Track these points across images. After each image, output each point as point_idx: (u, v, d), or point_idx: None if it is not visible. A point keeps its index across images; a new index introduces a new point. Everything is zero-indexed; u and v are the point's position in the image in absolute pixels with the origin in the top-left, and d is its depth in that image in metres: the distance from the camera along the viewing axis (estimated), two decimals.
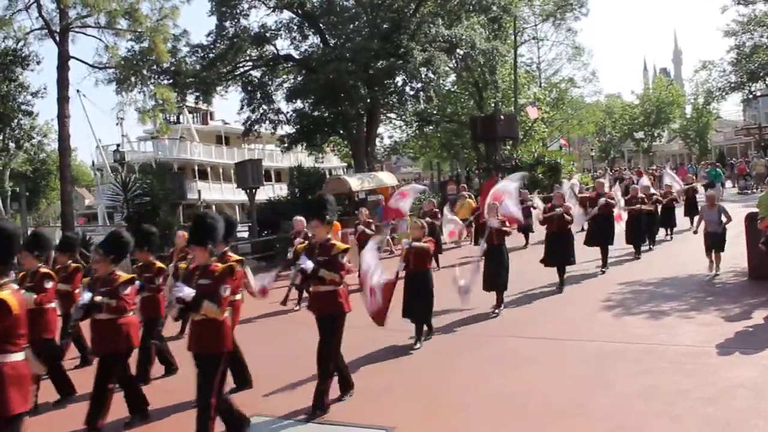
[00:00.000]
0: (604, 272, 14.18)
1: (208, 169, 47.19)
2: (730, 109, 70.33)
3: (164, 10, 23.61)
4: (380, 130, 38.75)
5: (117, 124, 42.77)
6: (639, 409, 6.48)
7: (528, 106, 40.33)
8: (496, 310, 11.08)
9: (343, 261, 7.00)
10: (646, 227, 16.82)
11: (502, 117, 35.77)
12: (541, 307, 11.45)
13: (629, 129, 74.19)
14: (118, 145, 38.43)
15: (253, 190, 25.47)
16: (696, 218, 21.08)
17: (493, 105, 39.02)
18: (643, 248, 16.52)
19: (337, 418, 6.82)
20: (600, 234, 14.79)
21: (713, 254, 12.83)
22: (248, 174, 25.32)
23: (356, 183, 24.80)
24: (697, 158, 68.02)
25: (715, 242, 12.77)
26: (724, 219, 12.73)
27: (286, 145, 32.41)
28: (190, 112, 48.33)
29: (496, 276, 11.05)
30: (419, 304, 9.55)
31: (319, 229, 7.19)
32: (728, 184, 37.64)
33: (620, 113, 75.39)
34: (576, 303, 11.62)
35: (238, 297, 7.76)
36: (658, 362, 7.78)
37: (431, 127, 42.83)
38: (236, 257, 7.84)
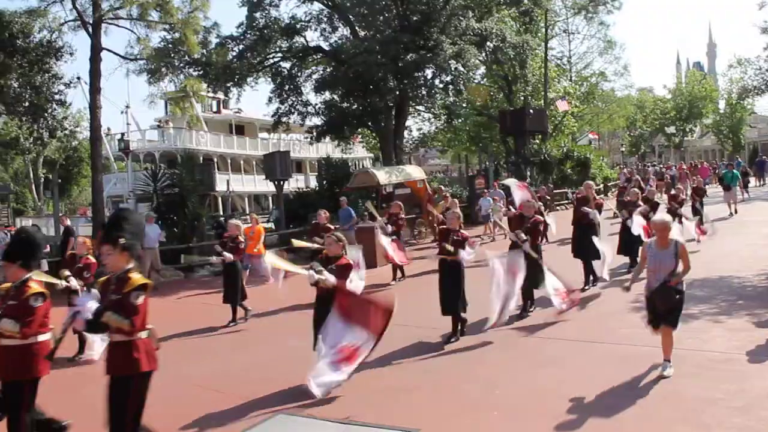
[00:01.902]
0: (585, 290, 12.40)
1: (215, 159, 45.49)
2: (765, 104, 69.37)
3: (195, 2, 23.79)
4: (408, 122, 38.64)
5: (122, 112, 42.88)
6: (665, 416, 6.42)
7: (558, 100, 40.05)
8: (452, 339, 9.72)
9: (137, 302, 5.24)
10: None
11: (531, 111, 35.65)
12: None
13: (660, 124, 73.42)
14: (122, 134, 38.35)
15: (281, 182, 25.59)
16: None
17: (522, 99, 38.85)
18: None
19: (363, 418, 6.83)
20: (581, 247, 12.84)
21: (660, 329, 7.66)
22: (276, 166, 25.44)
23: (384, 176, 24.73)
24: (729, 154, 67.10)
25: (665, 308, 7.48)
26: (680, 267, 7.55)
27: (314, 135, 32.52)
28: (199, 101, 47.31)
29: (450, 298, 9.75)
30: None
31: (112, 258, 5.40)
32: (752, 182, 35.60)
33: (651, 107, 74.58)
34: (604, 304, 11.51)
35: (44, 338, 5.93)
36: (686, 367, 7.67)
37: (460, 120, 42.71)
38: (37, 289, 5.90)
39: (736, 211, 24.04)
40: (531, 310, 11.10)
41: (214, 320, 12.27)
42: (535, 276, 10.64)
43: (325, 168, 30.00)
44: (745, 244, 17.10)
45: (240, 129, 51.41)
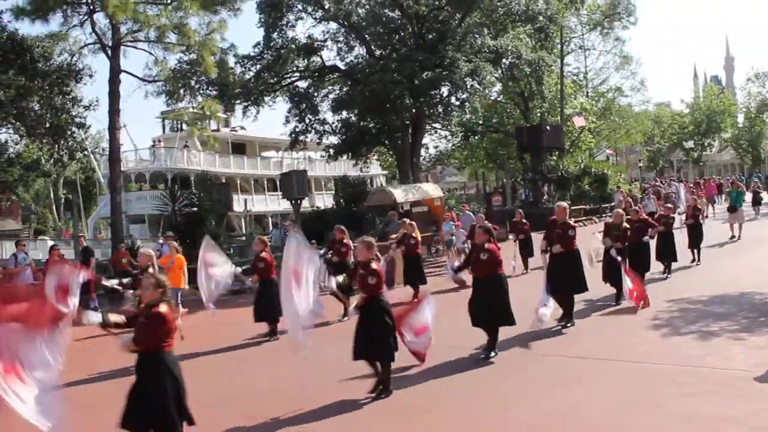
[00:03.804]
0: (570, 326, 11.05)
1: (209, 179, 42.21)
2: None
3: (212, 24, 24.03)
4: (425, 139, 38.67)
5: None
6: None
7: (574, 116, 40.04)
8: (381, 395, 8.09)
9: None
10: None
11: (548, 127, 35.62)
12: (585, 326, 11.19)
13: (678, 138, 73.06)
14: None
15: (299, 201, 25.73)
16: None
17: (539, 115, 38.85)
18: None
19: None
20: (562, 279, 11.01)
21: None
22: (293, 185, 25.61)
23: (401, 195, 24.63)
24: (749, 168, 66.56)
25: None
26: None
27: (331, 153, 32.66)
28: (196, 119, 44.49)
29: (375, 343, 8.08)
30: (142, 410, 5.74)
31: None
32: (765, 197, 33.28)
33: (669, 122, 74.35)
34: (622, 321, 11.39)
35: None
36: (706, 386, 7.56)
37: (477, 137, 42.77)
38: None
39: (739, 236, 21.67)
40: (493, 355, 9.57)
41: (226, 340, 12.33)
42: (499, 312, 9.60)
43: (341, 186, 30.10)
44: (765, 259, 16.91)
45: (240, 147, 50.02)
